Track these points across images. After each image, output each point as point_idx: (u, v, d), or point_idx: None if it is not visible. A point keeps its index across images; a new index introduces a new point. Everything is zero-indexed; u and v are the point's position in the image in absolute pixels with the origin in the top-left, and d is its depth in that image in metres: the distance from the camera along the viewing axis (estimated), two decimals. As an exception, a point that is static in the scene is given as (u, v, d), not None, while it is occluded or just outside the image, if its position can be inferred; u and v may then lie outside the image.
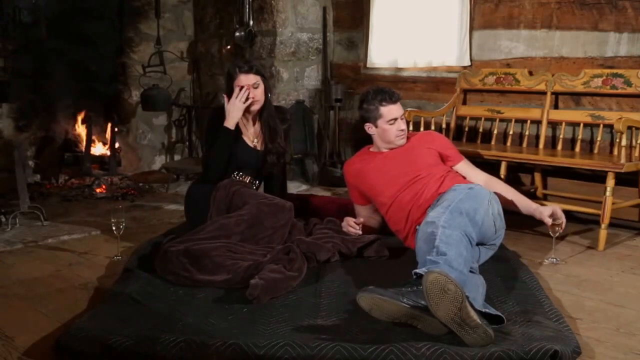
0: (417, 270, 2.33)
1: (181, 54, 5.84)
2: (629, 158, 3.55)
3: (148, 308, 2.43)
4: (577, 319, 2.46)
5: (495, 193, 2.99)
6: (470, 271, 2.42)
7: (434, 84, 4.87)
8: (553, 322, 2.28)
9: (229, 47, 5.59)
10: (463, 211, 2.60)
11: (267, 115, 3.46)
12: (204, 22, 5.85)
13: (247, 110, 3.40)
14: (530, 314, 2.34)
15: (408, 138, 3.35)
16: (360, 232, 3.25)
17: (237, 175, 3.42)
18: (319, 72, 5.58)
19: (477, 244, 2.72)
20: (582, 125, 3.99)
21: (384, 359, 1.98)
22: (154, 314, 2.38)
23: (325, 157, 5.39)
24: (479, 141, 4.43)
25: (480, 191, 2.84)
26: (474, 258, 2.61)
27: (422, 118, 4.40)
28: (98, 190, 4.79)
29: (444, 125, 4.51)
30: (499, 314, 2.21)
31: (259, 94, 3.37)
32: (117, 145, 5.42)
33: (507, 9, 4.41)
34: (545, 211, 3.04)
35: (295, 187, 4.93)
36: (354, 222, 3.27)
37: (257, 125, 3.49)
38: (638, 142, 3.60)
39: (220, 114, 3.37)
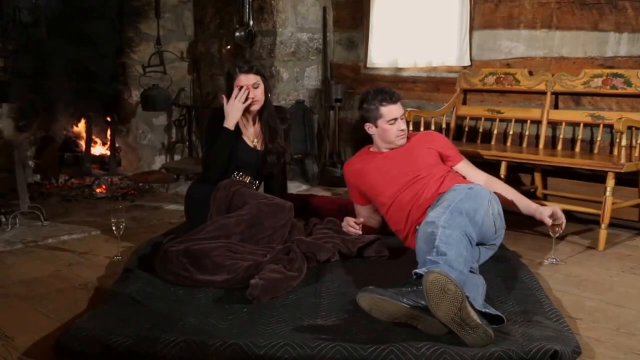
0: (417, 270, 2.33)
1: (181, 54, 5.84)
2: (629, 158, 3.55)
3: (148, 308, 2.43)
4: (577, 319, 2.46)
5: (496, 193, 2.99)
6: (470, 271, 2.42)
7: (434, 84, 4.87)
8: (553, 322, 2.28)
9: (229, 47, 5.59)
10: (463, 211, 2.60)
11: (267, 115, 3.46)
12: (204, 22, 5.85)
13: (247, 110, 3.40)
14: (530, 314, 2.34)
15: (408, 138, 3.35)
16: (360, 232, 3.25)
17: (237, 175, 3.42)
18: (319, 72, 5.58)
19: (477, 244, 2.72)
20: (582, 125, 3.99)
21: (384, 359, 1.98)
22: (154, 314, 2.38)
23: (325, 157, 5.39)
24: (479, 141, 4.43)
25: (480, 191, 2.84)
26: (474, 258, 2.61)
27: (422, 118, 4.40)
28: (98, 190, 4.79)
29: (444, 125, 4.51)
30: (499, 314, 2.21)
31: (259, 94, 3.37)
32: (117, 145, 5.41)
33: (507, 9, 4.41)
34: (545, 211, 3.04)
35: (295, 187, 4.93)
36: (354, 222, 3.27)
37: (257, 125, 3.49)
38: (638, 142, 3.60)
39: (220, 114, 3.37)
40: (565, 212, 3.10)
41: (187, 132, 5.88)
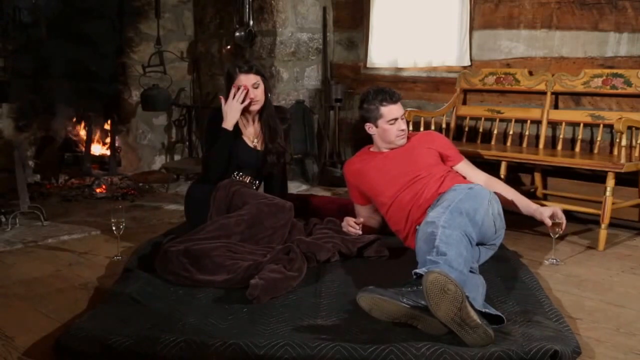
0: (417, 270, 2.33)
1: (181, 54, 5.84)
2: (629, 158, 3.55)
3: (148, 308, 2.43)
4: (577, 319, 2.46)
5: (496, 193, 2.99)
6: (470, 271, 2.42)
7: (434, 84, 4.87)
8: (553, 322, 2.28)
9: (229, 47, 5.59)
10: (463, 211, 2.60)
11: (267, 115, 3.46)
12: (204, 22, 5.85)
13: (247, 111, 3.40)
14: (530, 314, 2.34)
15: (408, 138, 3.35)
16: (360, 232, 3.25)
17: (237, 175, 3.42)
18: (319, 72, 5.58)
19: (477, 244, 2.72)
20: (582, 125, 3.99)
21: (384, 359, 1.98)
22: (154, 314, 2.38)
23: (325, 157, 5.39)
24: (479, 141, 4.43)
25: (480, 191, 2.84)
26: (474, 258, 2.61)
27: (422, 118, 4.40)
28: (98, 190, 4.79)
29: (444, 125, 4.51)
30: (499, 314, 2.21)
31: (259, 94, 3.37)
32: (117, 145, 5.41)
33: (507, 9, 4.41)
34: (545, 212, 3.04)
35: (295, 187, 4.93)
36: (354, 222, 3.27)
37: (257, 125, 3.49)
38: (638, 142, 3.60)
39: (220, 114, 3.36)
40: (565, 212, 3.10)
41: (187, 132, 5.88)
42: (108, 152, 5.37)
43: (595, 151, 3.92)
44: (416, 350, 1.99)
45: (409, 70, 5.01)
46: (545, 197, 4.20)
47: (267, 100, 3.44)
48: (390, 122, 3.25)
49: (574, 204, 3.82)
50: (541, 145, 4.13)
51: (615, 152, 3.69)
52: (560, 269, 3.08)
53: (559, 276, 2.98)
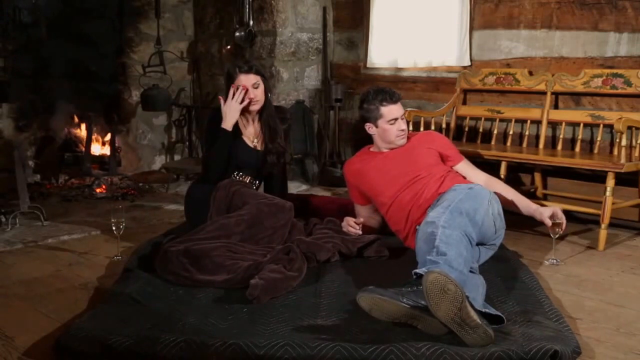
0: (417, 270, 2.33)
1: (181, 54, 5.84)
2: (629, 158, 3.55)
3: (148, 308, 2.43)
4: (577, 319, 2.46)
5: (496, 193, 2.99)
6: (470, 271, 2.42)
7: (434, 84, 4.87)
8: (553, 322, 2.28)
9: (229, 47, 5.59)
10: (463, 211, 2.60)
11: (267, 115, 3.47)
12: (204, 22, 5.85)
13: (247, 111, 3.40)
14: (530, 314, 2.34)
15: (408, 138, 3.35)
16: (360, 232, 3.25)
17: (237, 175, 3.42)
18: (319, 72, 5.58)
19: (477, 244, 2.72)
20: (582, 125, 3.99)
21: (384, 359, 1.98)
22: (154, 314, 2.38)
23: (325, 157, 5.39)
24: (479, 141, 4.43)
25: (480, 191, 2.84)
26: (474, 258, 2.61)
27: (422, 118, 4.40)
28: (98, 190, 4.79)
29: (444, 125, 4.51)
30: (499, 314, 2.21)
31: (259, 94, 3.37)
32: (117, 145, 5.41)
33: (507, 9, 4.41)
34: (545, 212, 3.04)
35: (295, 187, 4.93)
36: (354, 222, 3.27)
37: (257, 125, 3.49)
38: (638, 142, 3.60)
39: (220, 114, 3.36)
40: (565, 212, 3.10)
41: (187, 132, 5.88)
42: (108, 152, 5.37)
43: (595, 151, 3.92)
44: (416, 350, 1.99)
45: (409, 70, 5.01)
46: (545, 197, 4.20)
47: (267, 100, 3.44)
48: (390, 122, 3.25)
49: (574, 204, 3.82)
50: (541, 145, 4.13)
51: (615, 152, 3.69)
52: (560, 269, 3.08)
53: (559, 276, 2.98)
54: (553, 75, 4.15)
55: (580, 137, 3.98)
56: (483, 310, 2.18)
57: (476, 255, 2.71)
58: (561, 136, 4.06)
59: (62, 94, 5.21)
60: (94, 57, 5.32)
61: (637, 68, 3.83)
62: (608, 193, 3.40)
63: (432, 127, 4.34)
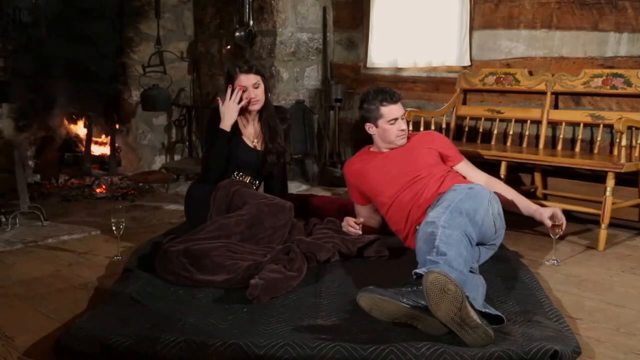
0: (417, 270, 2.33)
1: (181, 54, 5.84)
2: (629, 158, 3.55)
3: (148, 308, 2.43)
4: (577, 319, 2.46)
5: (496, 193, 2.99)
6: (470, 271, 2.42)
7: (434, 84, 4.87)
8: (553, 322, 2.28)
9: (229, 47, 5.59)
10: (463, 211, 2.60)
11: (267, 115, 3.47)
12: (204, 22, 5.85)
13: (247, 111, 3.41)
14: (530, 314, 2.34)
15: (408, 138, 3.35)
16: (360, 232, 3.25)
17: (237, 175, 3.42)
18: (319, 72, 5.58)
19: (477, 244, 2.72)
20: (582, 125, 3.99)
21: (384, 359, 1.98)
22: (154, 314, 2.38)
23: (325, 157, 5.39)
24: (479, 141, 4.43)
25: (480, 191, 2.84)
26: (474, 258, 2.61)
27: (422, 118, 4.40)
28: (98, 190, 4.79)
29: (444, 125, 4.51)
30: (499, 314, 2.21)
31: (259, 94, 3.37)
32: (117, 145, 5.42)
33: (507, 9, 4.41)
34: (545, 212, 3.04)
35: (295, 187, 4.93)
36: (354, 222, 3.27)
37: (257, 125, 3.49)
38: (638, 142, 3.60)
39: (220, 114, 3.37)
40: (565, 212, 3.10)
41: (187, 132, 5.88)
42: (108, 152, 5.37)
43: (595, 151, 3.92)
44: (416, 350, 1.99)
45: (409, 70, 5.01)
46: (545, 197, 4.20)
47: (267, 100, 3.44)
48: (391, 122, 3.25)
49: (574, 204, 3.82)
50: (541, 145, 4.13)
51: (615, 152, 3.69)
52: (560, 269, 3.08)
53: (559, 276, 2.98)
54: (553, 75, 4.15)
55: (580, 137, 3.98)
56: (483, 310, 2.18)
57: (476, 255, 2.71)
58: (561, 136, 4.06)
59: (62, 94, 5.21)
60: (94, 57, 5.32)
61: (637, 68, 3.83)
62: (608, 193, 3.40)
63: (432, 127, 4.34)
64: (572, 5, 4.09)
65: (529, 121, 4.25)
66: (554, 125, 4.19)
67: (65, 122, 5.38)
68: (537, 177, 4.27)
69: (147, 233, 3.66)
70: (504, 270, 2.88)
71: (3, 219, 3.82)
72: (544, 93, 4.18)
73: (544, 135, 4.14)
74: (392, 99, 3.25)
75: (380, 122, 3.26)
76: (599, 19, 3.98)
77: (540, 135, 4.15)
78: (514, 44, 4.40)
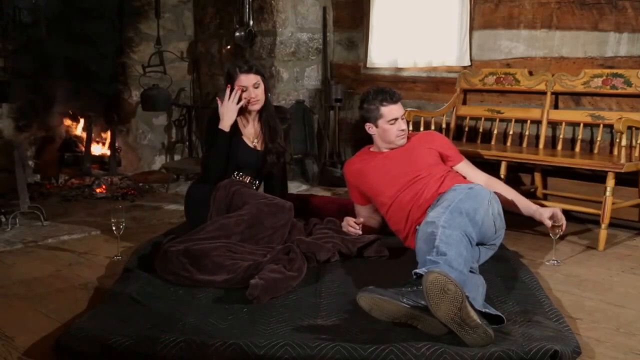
0: (417, 270, 2.33)
1: (181, 54, 5.84)
2: (629, 158, 3.55)
3: (148, 308, 2.43)
4: (577, 319, 2.46)
5: (496, 193, 2.99)
6: (470, 271, 2.42)
7: (434, 84, 4.87)
8: (553, 322, 2.28)
9: (229, 47, 5.59)
10: (463, 211, 2.60)
11: (267, 115, 3.47)
12: (204, 22, 5.85)
13: (247, 110, 3.41)
14: (530, 314, 2.34)
15: (408, 138, 3.35)
16: (360, 232, 3.25)
17: (237, 175, 3.43)
18: (319, 72, 5.58)
19: (477, 244, 2.72)
20: (582, 125, 3.99)
21: (384, 359, 1.98)
22: (154, 314, 2.38)
23: (325, 157, 5.39)
24: (479, 141, 4.43)
25: (480, 191, 2.84)
26: (474, 258, 2.61)
27: (422, 118, 4.40)
28: (98, 190, 4.79)
29: (444, 125, 4.51)
30: (499, 314, 2.21)
31: (259, 94, 3.37)
32: (117, 145, 5.42)
33: (507, 9, 4.41)
34: (545, 213, 3.04)
35: (295, 187, 4.93)
36: (354, 222, 3.27)
37: (257, 125, 3.49)
38: (638, 142, 3.60)
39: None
40: (565, 212, 3.10)
41: (187, 132, 5.88)
42: (108, 152, 5.37)
43: (595, 151, 3.92)
44: (416, 350, 1.99)
45: (409, 70, 5.01)
46: (545, 197, 4.20)
47: (267, 100, 3.45)
48: (391, 122, 3.25)
49: (574, 204, 3.82)
50: (541, 145, 4.13)
51: (615, 152, 3.69)
52: (560, 269, 3.08)
53: (559, 276, 2.98)
54: (553, 75, 4.15)
55: (580, 137, 3.98)
56: (483, 310, 2.18)
57: (476, 255, 2.71)
58: (561, 136, 4.06)
59: (62, 94, 5.21)
60: (94, 57, 5.32)
61: (637, 68, 3.83)
62: (608, 193, 3.40)
63: (432, 127, 4.34)
64: (572, 5, 4.09)
65: (529, 121, 4.25)
66: (554, 125, 4.19)
67: (65, 122, 5.38)
68: (537, 177, 4.27)
69: (147, 233, 3.66)
70: (504, 270, 2.88)
71: (3, 219, 3.82)
72: (544, 93, 4.18)
73: (544, 135, 4.14)
74: (392, 99, 3.25)
75: (380, 122, 3.26)
76: (599, 19, 3.98)
77: (540, 135, 4.15)
78: (514, 44, 4.40)
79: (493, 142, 4.37)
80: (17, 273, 3.05)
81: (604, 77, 3.92)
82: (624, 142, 3.41)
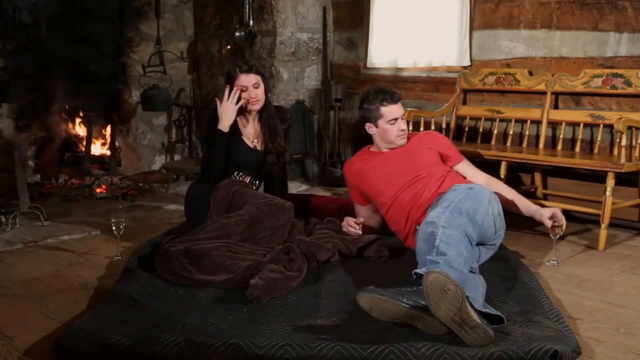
0: (417, 270, 2.33)
1: (181, 54, 5.84)
2: (629, 158, 3.55)
3: (148, 308, 2.43)
4: (577, 319, 2.46)
5: (496, 193, 2.99)
6: (470, 271, 2.42)
7: (434, 84, 4.87)
8: (553, 322, 2.28)
9: (229, 47, 5.60)
10: (463, 211, 2.60)
11: (267, 115, 3.47)
12: (204, 22, 5.85)
13: (247, 110, 3.41)
14: (530, 314, 2.34)
15: (408, 138, 3.35)
16: (360, 232, 3.25)
17: (237, 175, 3.43)
18: (319, 72, 5.58)
19: (477, 244, 2.72)
20: (582, 125, 3.99)
21: (384, 359, 1.98)
22: (154, 314, 2.38)
23: (325, 157, 5.39)
24: (479, 141, 4.43)
25: (480, 191, 2.84)
26: (474, 258, 2.61)
27: (422, 118, 4.40)
28: (98, 190, 4.79)
29: (444, 125, 4.51)
30: (499, 314, 2.21)
31: (259, 94, 3.37)
32: (117, 145, 5.42)
33: (507, 9, 4.41)
34: (545, 213, 3.04)
35: (295, 187, 4.93)
36: (354, 222, 3.27)
37: (257, 125, 3.50)
38: (638, 142, 3.60)
39: (219, 114, 3.37)
40: (565, 212, 3.10)
41: (187, 132, 5.88)
42: (108, 152, 5.37)
43: (595, 151, 3.92)
44: (416, 350, 1.99)
45: (409, 70, 5.01)
46: (545, 197, 4.20)
47: (267, 100, 3.45)
48: (391, 122, 3.25)
49: (574, 204, 3.82)
50: (541, 145, 4.13)
51: (615, 152, 3.69)
52: (560, 269, 3.08)
53: (559, 276, 2.98)
54: (553, 75, 4.15)
55: (580, 137, 3.98)
56: (483, 310, 2.18)
57: (476, 255, 2.71)
58: (561, 136, 4.06)
59: (62, 94, 5.21)
60: (94, 57, 5.32)
61: (637, 68, 3.83)
62: (608, 193, 3.40)
63: (432, 127, 4.34)
64: (572, 5, 4.09)
65: (529, 121, 4.25)
66: (554, 125, 4.19)
67: (65, 122, 5.38)
68: (537, 177, 4.27)
69: (147, 233, 3.66)
70: (504, 270, 2.88)
71: (3, 219, 3.82)
72: (544, 93, 4.18)
73: (544, 135, 4.14)
74: (392, 99, 3.25)
75: (380, 122, 3.26)
76: (599, 19, 3.98)
77: (540, 135, 4.15)
78: (514, 44, 4.40)
79: (493, 142, 4.37)
80: (17, 273, 3.05)
81: (604, 77, 3.92)
82: (624, 142, 3.41)
